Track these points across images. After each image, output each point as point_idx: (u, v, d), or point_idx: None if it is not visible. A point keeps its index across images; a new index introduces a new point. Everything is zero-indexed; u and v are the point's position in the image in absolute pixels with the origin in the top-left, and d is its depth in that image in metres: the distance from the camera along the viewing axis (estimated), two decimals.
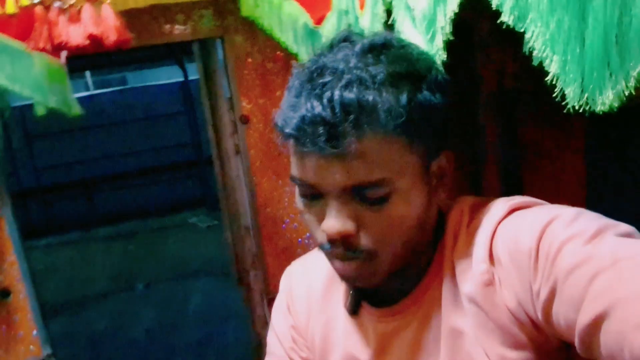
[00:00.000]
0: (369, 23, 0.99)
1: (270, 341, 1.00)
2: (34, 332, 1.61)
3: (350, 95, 0.69)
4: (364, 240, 0.74)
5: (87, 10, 1.03)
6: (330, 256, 0.77)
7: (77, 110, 1.23)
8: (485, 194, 1.65)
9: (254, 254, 1.77)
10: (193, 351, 3.98)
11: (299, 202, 0.80)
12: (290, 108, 0.73)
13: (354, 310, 0.89)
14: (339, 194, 0.72)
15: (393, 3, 0.85)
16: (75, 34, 0.99)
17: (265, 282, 1.72)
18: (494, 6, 0.56)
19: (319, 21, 1.33)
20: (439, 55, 0.69)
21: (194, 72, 4.70)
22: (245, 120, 1.63)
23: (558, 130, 1.46)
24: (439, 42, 0.67)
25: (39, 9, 1.00)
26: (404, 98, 0.70)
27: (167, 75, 7.77)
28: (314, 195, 0.75)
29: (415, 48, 0.76)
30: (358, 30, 1.11)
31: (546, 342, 0.72)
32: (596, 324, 0.58)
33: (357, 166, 0.70)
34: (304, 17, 1.35)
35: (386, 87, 0.70)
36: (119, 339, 4.34)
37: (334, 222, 0.73)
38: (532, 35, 0.54)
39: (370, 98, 0.70)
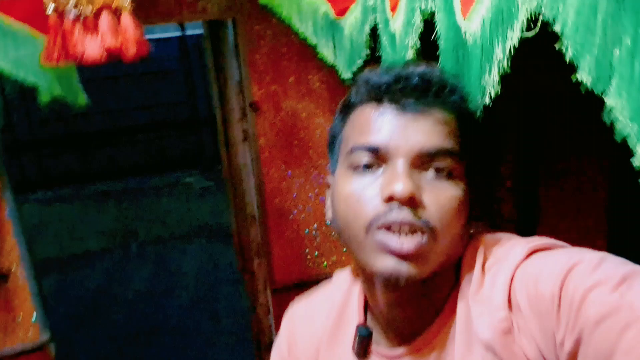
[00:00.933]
0: (402, 30, 0.92)
1: None
2: (33, 317, 1.57)
3: (444, 73, 0.76)
4: (429, 213, 0.71)
5: (105, 20, 0.94)
6: (385, 231, 0.71)
7: (83, 99, 1.16)
8: (498, 215, 1.61)
9: (258, 242, 1.73)
10: (186, 313, 3.99)
11: (342, 180, 0.76)
12: (382, 71, 0.77)
13: (362, 354, 0.85)
14: (412, 158, 0.71)
15: (437, 17, 0.78)
16: (92, 46, 0.91)
17: (270, 272, 1.68)
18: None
19: (342, 12, 1.25)
20: (493, 88, 0.63)
21: (192, 27, 4.55)
22: (255, 107, 1.56)
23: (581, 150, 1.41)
24: (495, 75, 0.62)
25: (52, 17, 0.91)
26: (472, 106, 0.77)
27: (164, 29, 7.56)
28: (372, 164, 0.74)
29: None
30: (386, 33, 1.04)
31: None
32: None
33: (439, 131, 0.72)
34: (325, 7, 1.27)
35: (462, 94, 0.77)
36: (111, 299, 4.34)
37: (406, 182, 0.70)
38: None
39: (457, 82, 0.76)
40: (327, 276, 1.70)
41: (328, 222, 0.86)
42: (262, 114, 1.57)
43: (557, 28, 0.50)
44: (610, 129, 0.47)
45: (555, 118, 1.48)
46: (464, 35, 0.70)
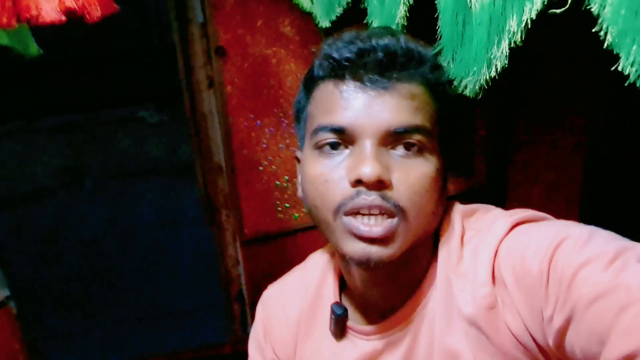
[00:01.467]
0: None
1: None
2: None
3: (410, 42, 0.71)
4: (398, 195, 0.68)
5: None
6: (354, 217, 0.69)
7: (35, 49, 1.05)
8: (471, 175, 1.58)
9: (226, 194, 1.67)
10: (147, 252, 3.93)
11: (309, 161, 0.73)
12: (344, 43, 0.72)
13: (339, 333, 0.84)
14: (379, 137, 0.69)
15: None
16: (48, 8, 0.79)
17: (239, 224, 1.63)
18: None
19: None
20: (501, 62, 0.57)
21: None
22: (222, 52, 1.46)
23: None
24: (505, 48, 0.56)
25: None
26: (443, 76, 0.74)
27: None
28: (338, 144, 0.71)
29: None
30: None
31: None
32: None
33: (406, 106, 0.69)
34: None
35: (436, 63, 0.74)
36: (67, 239, 4.22)
37: (374, 164, 0.67)
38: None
39: (427, 52, 0.73)
40: (298, 228, 1.68)
41: (299, 197, 0.82)
42: (229, 59, 1.47)
43: (593, 8, 0.44)
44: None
45: (533, 85, 1.44)
46: (468, 3, 0.63)
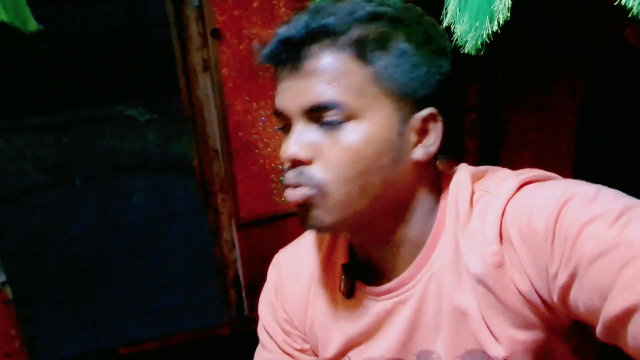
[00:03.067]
0: None
1: (261, 334, 0.98)
2: None
3: (316, 19, 0.72)
4: (316, 171, 0.72)
5: None
6: (285, 186, 0.75)
7: (33, 24, 1.05)
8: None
9: (222, 177, 1.67)
10: (136, 248, 3.91)
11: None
12: (271, 39, 0.76)
13: (349, 293, 0.86)
14: (299, 116, 0.73)
15: None
16: None
17: (235, 207, 1.64)
18: None
19: None
20: (503, 15, 0.58)
21: None
22: (218, 34, 1.46)
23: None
24: (507, 0, 0.57)
25: None
26: (375, 31, 0.71)
27: None
28: (286, 126, 0.76)
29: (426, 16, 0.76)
30: None
31: (558, 321, 0.70)
32: (627, 315, 0.56)
33: (312, 85, 0.71)
34: None
35: (360, 21, 0.71)
36: (57, 236, 4.19)
37: (290, 144, 0.72)
38: None
39: (335, 20, 0.71)
40: (294, 211, 1.68)
41: None
42: (224, 41, 1.47)
43: None
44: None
45: (523, 50, 1.46)
46: None
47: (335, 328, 0.87)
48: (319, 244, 0.92)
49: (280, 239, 1.68)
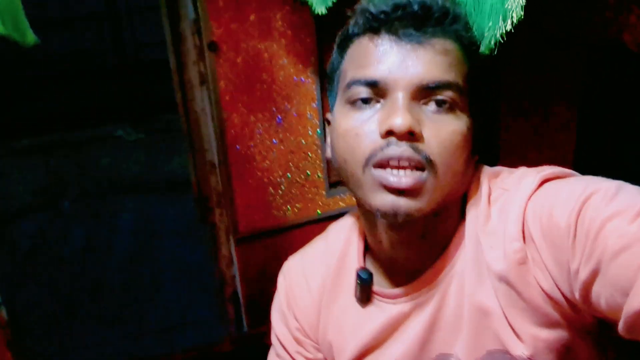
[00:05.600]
0: None
1: (274, 342, 0.96)
2: None
3: (445, 1, 0.72)
4: (429, 148, 0.69)
5: None
6: (383, 169, 0.70)
7: (32, 37, 1.04)
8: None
9: (219, 191, 1.65)
10: (127, 269, 3.86)
11: (340, 117, 0.75)
12: (380, 0, 0.73)
13: (365, 298, 0.84)
14: (412, 91, 0.69)
15: None
16: None
17: (233, 221, 1.62)
18: None
19: None
20: (516, 14, 0.59)
21: None
22: (214, 47, 1.46)
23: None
24: None
25: None
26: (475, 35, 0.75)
27: None
28: (370, 99, 0.72)
29: None
30: None
31: (580, 319, 0.69)
32: None
33: (440, 62, 0.70)
34: None
35: (465, 22, 0.75)
36: (46, 258, 4.14)
37: (405, 115, 0.68)
38: None
39: (462, 11, 0.73)
40: (293, 224, 1.67)
41: (328, 157, 0.84)
42: (221, 55, 1.47)
43: None
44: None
45: (522, 55, 1.47)
46: None
47: (350, 334, 0.86)
48: (331, 248, 0.91)
49: (280, 253, 1.67)
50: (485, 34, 0.65)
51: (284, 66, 1.52)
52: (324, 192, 1.65)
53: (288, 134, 1.58)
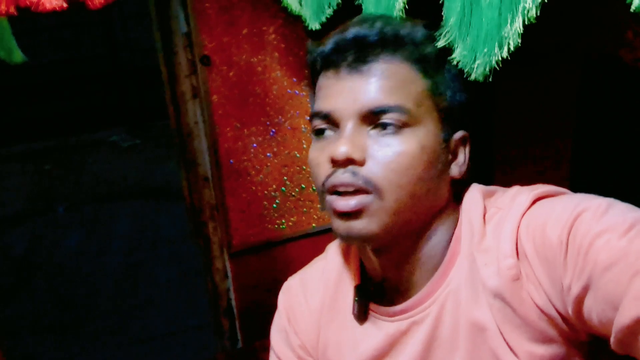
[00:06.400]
0: None
1: None
2: None
3: (388, 25, 0.75)
4: (371, 172, 0.71)
5: None
6: (332, 193, 0.73)
7: (19, 55, 1.03)
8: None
9: (212, 206, 1.64)
10: (121, 276, 3.84)
11: (312, 147, 0.79)
12: (328, 39, 0.77)
13: (362, 315, 0.85)
14: (353, 118, 0.72)
15: None
16: None
17: (227, 236, 1.61)
18: None
19: None
20: (513, 41, 0.57)
21: None
22: (207, 61, 1.44)
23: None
24: (518, 26, 0.56)
25: None
26: (434, 50, 0.75)
27: None
28: (326, 129, 0.75)
29: None
30: None
31: (575, 336, 0.70)
32: (638, 324, 0.56)
33: (380, 87, 0.72)
34: None
35: (423, 38, 0.76)
36: (40, 266, 4.11)
37: (344, 143, 0.71)
38: None
39: (405, 31, 0.75)
40: (288, 238, 1.66)
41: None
42: (214, 68, 1.46)
43: None
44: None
45: (511, 101, 1.46)
46: None
47: (349, 353, 0.86)
48: (329, 268, 0.92)
49: (275, 267, 1.66)
50: (479, 60, 0.64)
51: (277, 79, 1.51)
52: (318, 206, 1.63)
53: (282, 148, 1.56)
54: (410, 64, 0.75)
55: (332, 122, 0.75)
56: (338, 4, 1.08)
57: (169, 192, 4.83)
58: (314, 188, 1.60)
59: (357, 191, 0.72)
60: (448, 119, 0.76)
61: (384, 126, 0.72)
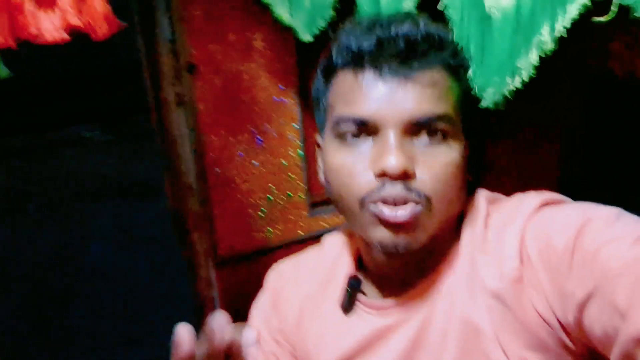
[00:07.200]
0: None
1: None
2: None
3: (430, 25, 0.71)
4: (423, 186, 0.69)
5: None
6: (377, 204, 0.70)
7: (4, 72, 0.99)
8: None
9: (197, 214, 1.61)
10: (99, 278, 3.76)
11: (331, 150, 0.74)
12: (363, 31, 0.71)
13: (349, 306, 0.84)
14: (402, 127, 0.68)
15: None
16: (50, 27, 0.73)
17: (213, 244, 1.58)
18: None
19: None
20: (527, 74, 0.56)
21: None
22: (193, 69, 1.41)
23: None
24: (534, 58, 0.55)
25: None
26: (462, 56, 0.73)
27: None
28: (360, 133, 0.71)
29: None
30: None
31: (573, 350, 0.69)
32: None
33: (428, 95, 0.68)
34: None
35: (456, 46, 0.73)
36: (12, 269, 4.01)
37: (398, 156, 0.67)
38: None
39: (447, 35, 0.72)
40: (275, 246, 1.64)
41: (321, 182, 0.85)
42: (200, 76, 1.43)
43: None
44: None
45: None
46: (487, 9, 0.62)
47: (330, 344, 0.85)
48: (324, 256, 0.92)
49: (261, 276, 1.62)
50: (490, 89, 0.63)
51: (264, 87, 1.48)
52: (306, 213, 1.62)
53: (269, 156, 1.54)
54: (447, 69, 0.72)
55: (370, 128, 0.71)
56: (332, 17, 1.06)
57: (148, 190, 4.76)
58: (301, 195, 1.59)
59: (408, 202, 0.70)
60: (465, 127, 0.75)
61: (430, 136, 0.70)
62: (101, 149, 6.26)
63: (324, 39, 1.15)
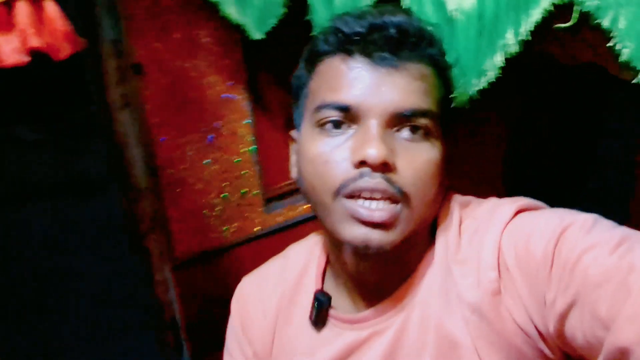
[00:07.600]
0: None
1: None
2: None
3: (422, 22, 0.69)
4: (403, 180, 0.67)
5: (22, 11, 0.69)
6: (350, 197, 0.67)
7: None
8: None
9: (151, 217, 1.57)
10: (37, 285, 3.59)
11: (309, 140, 0.71)
12: (353, 18, 0.69)
13: (319, 322, 0.81)
14: (386, 118, 0.66)
15: None
16: (9, 50, 0.68)
17: (169, 247, 1.55)
18: None
19: None
20: (493, 75, 0.58)
21: None
22: (138, 69, 1.37)
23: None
24: (499, 60, 0.56)
25: None
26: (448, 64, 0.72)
27: None
28: (342, 122, 0.68)
29: None
30: None
31: (549, 356, 0.69)
32: (634, 346, 0.54)
33: (415, 88, 0.66)
34: None
35: (441, 46, 0.71)
36: None
37: (380, 146, 0.65)
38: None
39: (436, 34, 0.70)
40: (232, 244, 1.62)
41: (294, 178, 0.81)
42: (146, 76, 1.38)
43: (604, 22, 0.44)
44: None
45: None
46: (449, 13, 0.63)
47: (303, 359, 0.83)
48: (289, 267, 0.87)
49: (220, 275, 1.62)
50: (459, 89, 0.64)
51: (212, 84, 1.45)
52: (261, 209, 1.61)
53: (221, 153, 1.52)
54: (435, 66, 0.71)
55: (352, 116, 0.68)
56: (283, 14, 1.05)
57: (88, 187, 4.59)
58: (256, 192, 1.58)
59: (386, 199, 0.67)
60: (446, 128, 0.74)
61: (413, 130, 0.68)
62: (31, 149, 5.96)
63: (272, 33, 1.13)
